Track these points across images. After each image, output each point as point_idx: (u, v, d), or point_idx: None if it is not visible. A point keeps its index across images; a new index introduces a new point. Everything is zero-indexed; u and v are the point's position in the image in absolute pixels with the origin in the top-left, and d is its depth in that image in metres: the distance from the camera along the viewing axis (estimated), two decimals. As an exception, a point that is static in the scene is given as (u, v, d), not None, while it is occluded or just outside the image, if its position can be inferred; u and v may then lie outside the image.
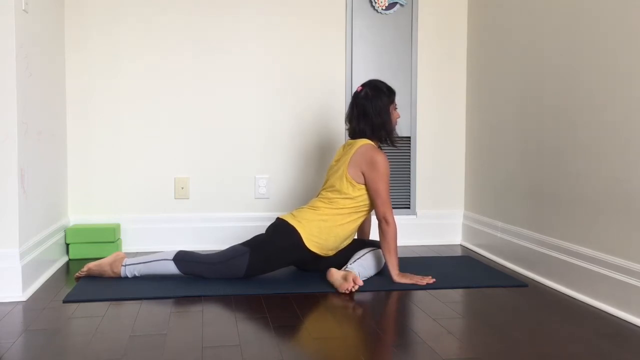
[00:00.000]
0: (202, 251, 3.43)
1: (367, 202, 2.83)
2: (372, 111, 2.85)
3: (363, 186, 2.81)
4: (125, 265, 2.78)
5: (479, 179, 3.60)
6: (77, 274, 2.84)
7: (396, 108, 2.94)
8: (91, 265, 2.80)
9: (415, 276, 2.77)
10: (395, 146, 2.97)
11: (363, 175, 2.79)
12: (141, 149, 3.50)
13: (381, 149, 2.87)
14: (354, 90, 3.08)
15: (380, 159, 2.77)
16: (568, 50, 2.69)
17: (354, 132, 2.92)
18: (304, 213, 2.82)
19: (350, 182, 2.80)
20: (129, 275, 2.78)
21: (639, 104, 2.26)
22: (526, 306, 2.47)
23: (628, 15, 2.32)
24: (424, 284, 2.73)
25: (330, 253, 2.85)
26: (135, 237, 3.50)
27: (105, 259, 2.83)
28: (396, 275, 2.76)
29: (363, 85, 2.92)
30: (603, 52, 2.46)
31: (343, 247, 2.89)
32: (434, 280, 2.78)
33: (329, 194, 2.84)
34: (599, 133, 2.48)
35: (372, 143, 2.86)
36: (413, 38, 3.68)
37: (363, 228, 3.15)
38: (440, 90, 3.76)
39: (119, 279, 2.77)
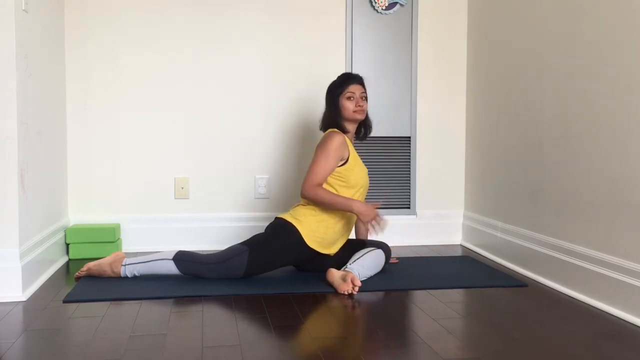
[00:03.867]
0: (202, 251, 3.43)
1: (341, 180, 2.84)
2: (326, 103, 2.96)
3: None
4: (125, 265, 2.77)
5: (479, 179, 3.60)
6: (76, 273, 2.84)
7: (350, 97, 2.87)
8: (91, 265, 2.80)
9: (374, 213, 2.76)
10: (363, 137, 3.02)
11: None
12: (141, 149, 3.50)
13: (343, 136, 2.88)
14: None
15: (329, 137, 2.83)
16: (567, 51, 2.69)
17: (320, 125, 3.02)
18: (299, 210, 2.84)
19: None
20: (129, 275, 2.78)
21: (636, 106, 2.26)
22: (526, 306, 2.47)
23: (626, 18, 2.32)
24: (375, 225, 2.76)
25: (331, 250, 2.85)
26: (135, 237, 3.50)
27: (105, 258, 2.83)
28: (361, 207, 2.75)
29: None
30: (602, 53, 2.46)
31: (342, 242, 2.90)
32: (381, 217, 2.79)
33: None
34: (599, 133, 2.48)
35: (333, 130, 2.91)
36: (413, 38, 3.68)
37: (362, 228, 3.15)
38: (440, 90, 3.76)
39: (119, 278, 2.77)
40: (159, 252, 2.88)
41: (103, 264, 2.79)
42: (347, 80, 2.92)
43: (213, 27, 3.51)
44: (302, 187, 2.80)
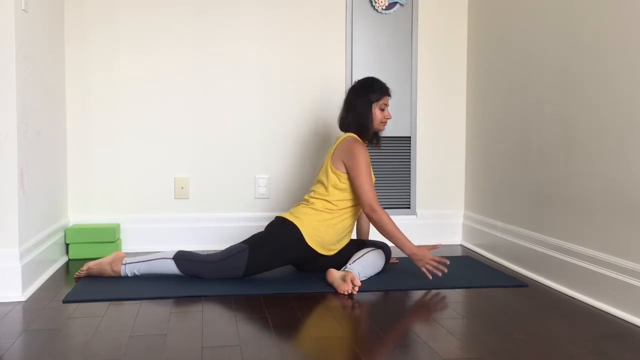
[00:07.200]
0: (202, 251, 3.43)
1: (344, 184, 2.84)
2: (354, 104, 2.92)
3: (347, 175, 2.84)
4: (125, 264, 2.78)
5: (479, 179, 3.60)
6: (76, 273, 2.84)
7: (383, 109, 2.92)
8: (91, 264, 2.80)
9: (429, 255, 2.74)
10: (376, 145, 3.02)
11: (345, 165, 2.83)
12: (141, 149, 3.50)
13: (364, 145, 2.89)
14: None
15: (358, 149, 2.81)
16: (567, 52, 2.70)
17: (340, 123, 2.99)
18: (300, 210, 2.84)
19: (335, 173, 2.84)
20: (129, 274, 2.78)
21: (636, 106, 2.26)
22: (526, 306, 2.47)
23: (626, 18, 2.32)
24: (431, 269, 2.73)
25: (330, 252, 2.85)
26: (135, 237, 3.49)
27: (105, 258, 2.83)
28: (414, 249, 2.75)
29: (358, 80, 3.01)
30: (602, 53, 2.46)
31: (342, 245, 2.89)
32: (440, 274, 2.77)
33: (319, 189, 2.89)
34: (599, 133, 2.48)
35: (355, 136, 2.90)
36: (413, 38, 3.68)
37: (363, 228, 3.15)
38: (440, 90, 3.76)
39: (119, 278, 2.77)
40: (160, 252, 2.88)
41: (103, 263, 2.79)
42: (385, 90, 2.93)
43: (213, 27, 3.51)
44: (365, 204, 2.77)
